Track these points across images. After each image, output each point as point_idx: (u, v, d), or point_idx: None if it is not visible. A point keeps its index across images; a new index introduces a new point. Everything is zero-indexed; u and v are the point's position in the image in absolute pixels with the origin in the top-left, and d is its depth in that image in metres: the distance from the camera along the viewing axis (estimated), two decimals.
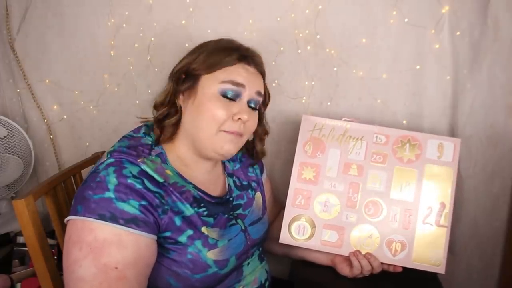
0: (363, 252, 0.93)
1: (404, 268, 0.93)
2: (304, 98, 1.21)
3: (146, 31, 1.22)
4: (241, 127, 0.81)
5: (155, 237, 0.72)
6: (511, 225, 1.17)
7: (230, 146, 0.81)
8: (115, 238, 0.67)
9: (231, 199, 0.91)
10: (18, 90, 1.32)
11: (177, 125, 0.83)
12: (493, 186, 1.17)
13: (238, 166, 0.99)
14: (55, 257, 1.15)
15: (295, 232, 0.97)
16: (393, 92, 1.17)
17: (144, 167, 0.74)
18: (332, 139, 0.99)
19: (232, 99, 0.80)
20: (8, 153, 1.25)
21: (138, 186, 0.71)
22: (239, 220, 0.89)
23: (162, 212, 0.73)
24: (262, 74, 0.89)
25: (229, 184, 0.93)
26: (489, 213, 1.19)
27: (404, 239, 0.93)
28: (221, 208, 0.86)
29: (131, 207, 0.68)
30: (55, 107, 1.32)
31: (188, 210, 0.78)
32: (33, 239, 0.82)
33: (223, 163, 0.96)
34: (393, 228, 0.94)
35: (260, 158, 1.01)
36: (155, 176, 0.75)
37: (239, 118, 0.80)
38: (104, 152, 1.19)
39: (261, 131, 0.95)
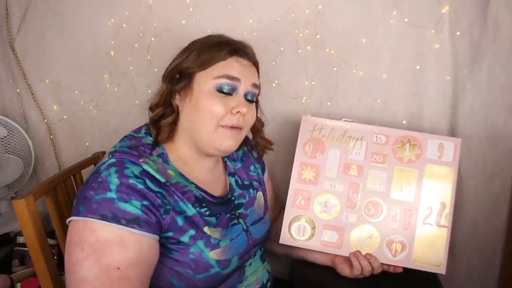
0: (363, 253, 0.92)
1: (405, 269, 0.93)
2: (304, 98, 1.21)
3: (146, 31, 1.22)
4: (240, 120, 0.81)
5: (157, 237, 0.72)
6: (511, 225, 1.18)
7: (229, 142, 0.81)
8: (117, 238, 0.67)
9: (232, 198, 0.90)
10: (18, 90, 1.32)
11: (173, 125, 0.83)
12: (493, 186, 1.18)
13: (239, 165, 0.99)
14: (55, 257, 1.15)
15: (295, 233, 0.97)
16: (393, 92, 1.17)
17: (145, 167, 0.74)
18: (332, 139, 0.99)
19: (228, 94, 0.80)
20: (8, 153, 1.24)
21: (140, 186, 0.70)
22: (241, 220, 0.89)
23: (164, 212, 0.73)
24: (256, 65, 0.88)
25: (230, 184, 0.92)
26: (489, 213, 1.19)
27: (404, 240, 0.93)
28: (223, 208, 0.86)
29: (133, 207, 0.68)
30: (55, 107, 1.32)
31: (190, 210, 0.78)
32: (33, 239, 0.82)
33: (224, 162, 0.96)
34: (393, 228, 0.94)
35: (269, 148, 0.99)
36: (157, 176, 0.74)
37: (238, 112, 0.79)
38: (104, 152, 1.20)
39: (257, 123, 0.94)
